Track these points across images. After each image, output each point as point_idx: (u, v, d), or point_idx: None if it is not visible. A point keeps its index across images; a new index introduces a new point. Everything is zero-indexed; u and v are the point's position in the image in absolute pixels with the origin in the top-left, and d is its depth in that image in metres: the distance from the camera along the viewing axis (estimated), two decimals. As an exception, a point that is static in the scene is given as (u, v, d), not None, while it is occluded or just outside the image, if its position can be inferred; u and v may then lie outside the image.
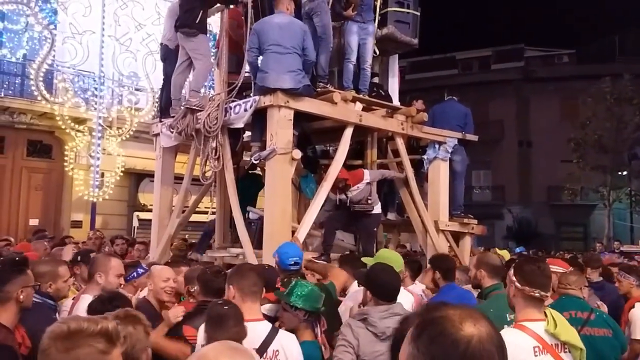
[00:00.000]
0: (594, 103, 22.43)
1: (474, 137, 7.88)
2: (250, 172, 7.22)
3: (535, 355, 2.69)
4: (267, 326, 2.96)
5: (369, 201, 6.37)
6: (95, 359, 1.56)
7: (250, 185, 6.96)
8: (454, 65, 33.98)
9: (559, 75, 29.99)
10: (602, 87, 22.21)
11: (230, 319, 2.74)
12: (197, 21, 6.60)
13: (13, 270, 3.04)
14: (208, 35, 7.15)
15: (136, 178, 15.15)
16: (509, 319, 3.28)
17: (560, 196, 26.75)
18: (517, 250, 15.61)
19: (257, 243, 6.05)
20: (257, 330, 2.89)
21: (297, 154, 5.73)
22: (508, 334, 2.82)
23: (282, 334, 2.97)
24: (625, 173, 23.48)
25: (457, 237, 7.67)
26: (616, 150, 22.29)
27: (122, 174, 14.41)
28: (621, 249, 15.67)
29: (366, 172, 6.52)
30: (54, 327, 1.62)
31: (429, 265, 4.69)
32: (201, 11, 6.65)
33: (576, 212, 27.33)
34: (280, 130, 5.65)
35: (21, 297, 2.93)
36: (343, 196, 6.31)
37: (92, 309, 2.67)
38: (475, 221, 7.81)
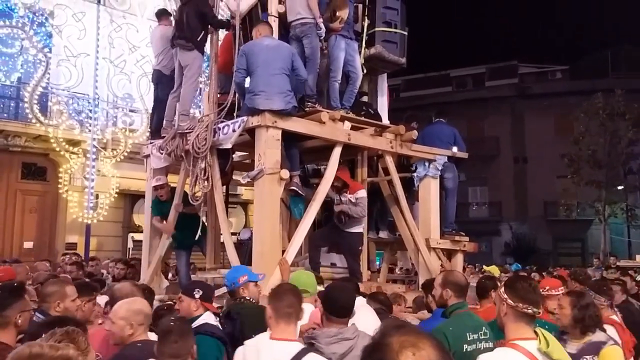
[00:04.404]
0: (586, 118, 22.55)
1: (464, 154, 7.91)
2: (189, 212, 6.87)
3: None
4: (297, 347, 2.95)
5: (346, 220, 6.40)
6: None
7: (191, 221, 6.77)
8: (448, 83, 34.26)
9: (553, 91, 30.22)
10: (594, 103, 22.35)
11: (172, 334, 2.87)
12: (198, 39, 6.77)
13: (12, 295, 3.10)
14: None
15: (131, 199, 15.16)
16: (469, 338, 3.27)
17: (557, 212, 26.80)
18: (514, 267, 15.45)
19: (249, 263, 6.03)
20: (286, 350, 2.90)
21: (285, 173, 5.75)
22: (502, 354, 2.82)
23: (312, 356, 2.93)
24: (621, 188, 23.53)
25: (450, 254, 7.67)
26: (610, 165, 22.37)
27: (116, 195, 14.42)
28: (617, 264, 15.61)
29: (363, 192, 6.56)
30: (17, 350, 1.68)
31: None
32: (203, 32, 6.83)
33: (573, 227, 27.33)
34: (269, 150, 5.68)
35: (19, 321, 3.03)
36: (337, 197, 6.40)
37: (31, 334, 2.69)
38: (467, 238, 7.80)
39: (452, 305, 3.63)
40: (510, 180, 30.39)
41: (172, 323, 2.98)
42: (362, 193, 6.52)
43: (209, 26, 7.07)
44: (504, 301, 2.87)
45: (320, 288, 4.20)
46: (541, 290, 3.70)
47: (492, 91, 31.67)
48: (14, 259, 9.66)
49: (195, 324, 3.54)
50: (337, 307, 3.24)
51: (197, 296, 3.86)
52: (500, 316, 2.91)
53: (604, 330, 3.79)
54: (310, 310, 3.76)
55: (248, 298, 4.17)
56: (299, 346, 2.97)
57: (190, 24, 6.80)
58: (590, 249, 27.24)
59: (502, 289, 2.93)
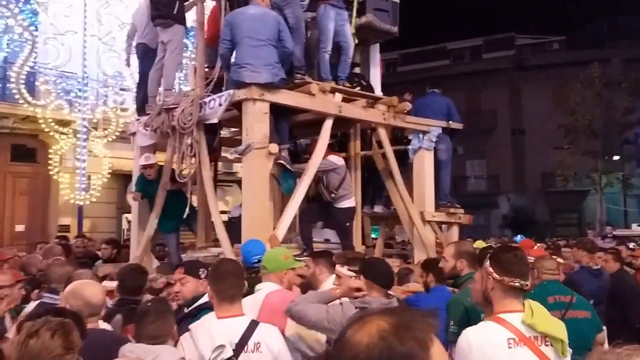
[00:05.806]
0: (582, 88, 22.33)
1: (458, 125, 7.75)
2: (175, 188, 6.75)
3: (510, 348, 2.57)
4: (246, 320, 2.93)
5: (333, 195, 6.27)
6: None
7: (177, 201, 6.67)
8: (445, 56, 33.87)
9: (550, 62, 29.86)
10: (590, 72, 22.12)
11: (150, 315, 2.82)
12: (174, 12, 6.54)
13: None
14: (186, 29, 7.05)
15: (124, 179, 14.89)
16: None
17: (554, 183, 26.74)
18: (517, 239, 15.28)
19: (238, 240, 5.90)
20: (235, 325, 2.89)
21: (274, 148, 5.58)
22: (479, 329, 2.70)
23: (263, 327, 2.94)
24: (617, 157, 23.43)
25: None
26: (607, 135, 22.24)
27: (109, 176, 14.20)
28: (614, 233, 15.60)
29: (333, 156, 6.39)
30: None
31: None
32: (178, 2, 6.58)
33: (570, 198, 27.31)
34: (256, 124, 5.51)
35: None
36: None
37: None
38: (462, 211, 7.68)
39: (465, 275, 3.54)
40: (508, 153, 30.26)
41: (149, 304, 2.92)
42: (332, 158, 6.33)
43: None
44: (489, 275, 2.73)
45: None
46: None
47: (489, 63, 31.38)
48: None
49: (201, 301, 3.62)
50: (380, 275, 3.29)
51: (202, 276, 3.95)
52: (487, 290, 2.76)
53: None
54: (271, 289, 3.67)
55: None
56: (247, 319, 2.95)
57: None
58: (587, 220, 27.24)
59: (487, 262, 2.78)
